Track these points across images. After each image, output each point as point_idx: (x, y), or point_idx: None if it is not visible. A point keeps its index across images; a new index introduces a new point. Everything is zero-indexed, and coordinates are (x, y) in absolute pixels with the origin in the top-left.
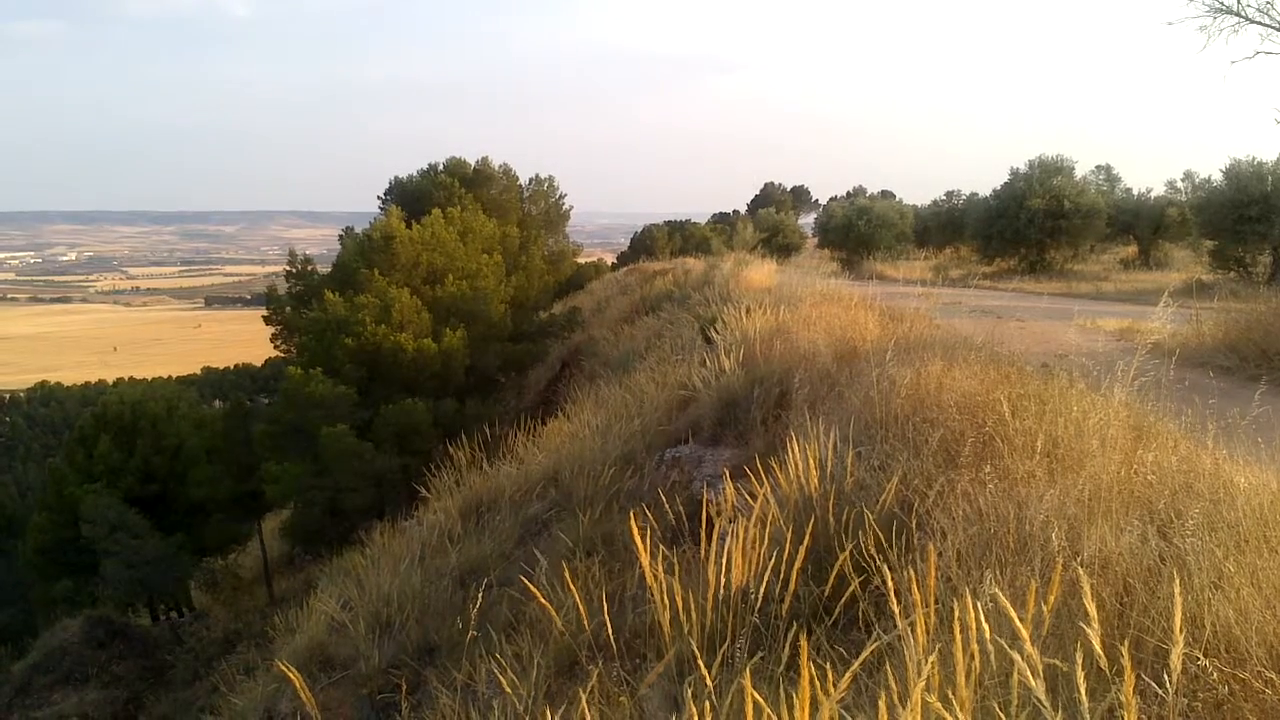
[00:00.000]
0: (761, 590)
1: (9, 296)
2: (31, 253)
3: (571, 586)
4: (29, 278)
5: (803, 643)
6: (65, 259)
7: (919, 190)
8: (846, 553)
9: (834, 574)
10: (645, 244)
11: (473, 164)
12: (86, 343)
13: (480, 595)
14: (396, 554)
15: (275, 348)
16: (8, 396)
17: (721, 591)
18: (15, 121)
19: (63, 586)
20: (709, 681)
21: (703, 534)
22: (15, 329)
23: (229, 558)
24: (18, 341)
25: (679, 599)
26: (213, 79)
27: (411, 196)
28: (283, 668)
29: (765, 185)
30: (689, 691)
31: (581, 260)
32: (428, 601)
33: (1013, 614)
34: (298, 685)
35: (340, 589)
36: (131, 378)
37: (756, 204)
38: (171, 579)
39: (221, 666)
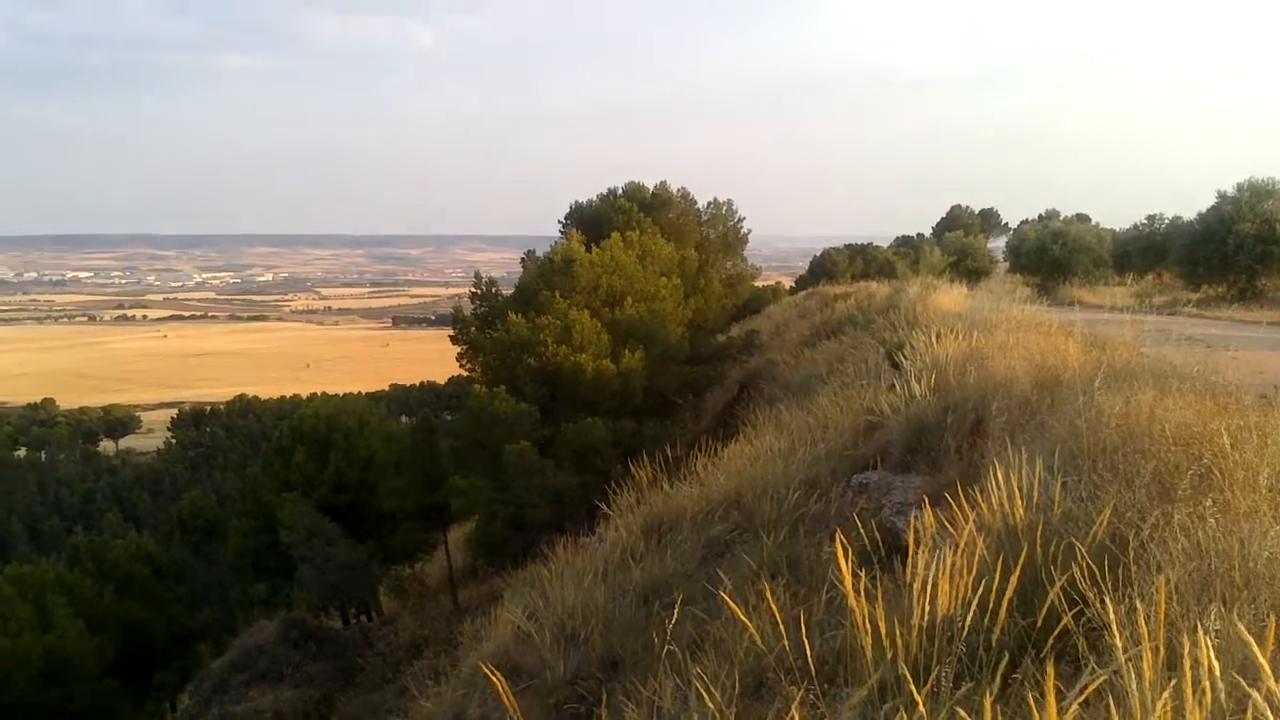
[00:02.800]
0: (967, 620)
1: (210, 315)
2: (231, 273)
3: (772, 604)
4: (228, 297)
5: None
6: (262, 280)
7: (1115, 213)
8: (1059, 584)
9: (1045, 606)
10: (825, 268)
11: (651, 188)
12: (281, 359)
13: (664, 613)
14: (580, 569)
15: (460, 366)
16: (209, 408)
17: (925, 619)
18: (219, 150)
19: (260, 589)
20: (921, 707)
21: (897, 561)
22: (216, 345)
23: (415, 566)
24: (218, 357)
25: (881, 624)
26: (401, 107)
27: (591, 220)
28: (486, 670)
29: (952, 208)
30: (898, 718)
31: (759, 284)
32: (612, 616)
33: (1255, 648)
34: (500, 690)
35: (525, 600)
36: (324, 393)
37: (942, 227)
38: (362, 585)
39: (409, 670)
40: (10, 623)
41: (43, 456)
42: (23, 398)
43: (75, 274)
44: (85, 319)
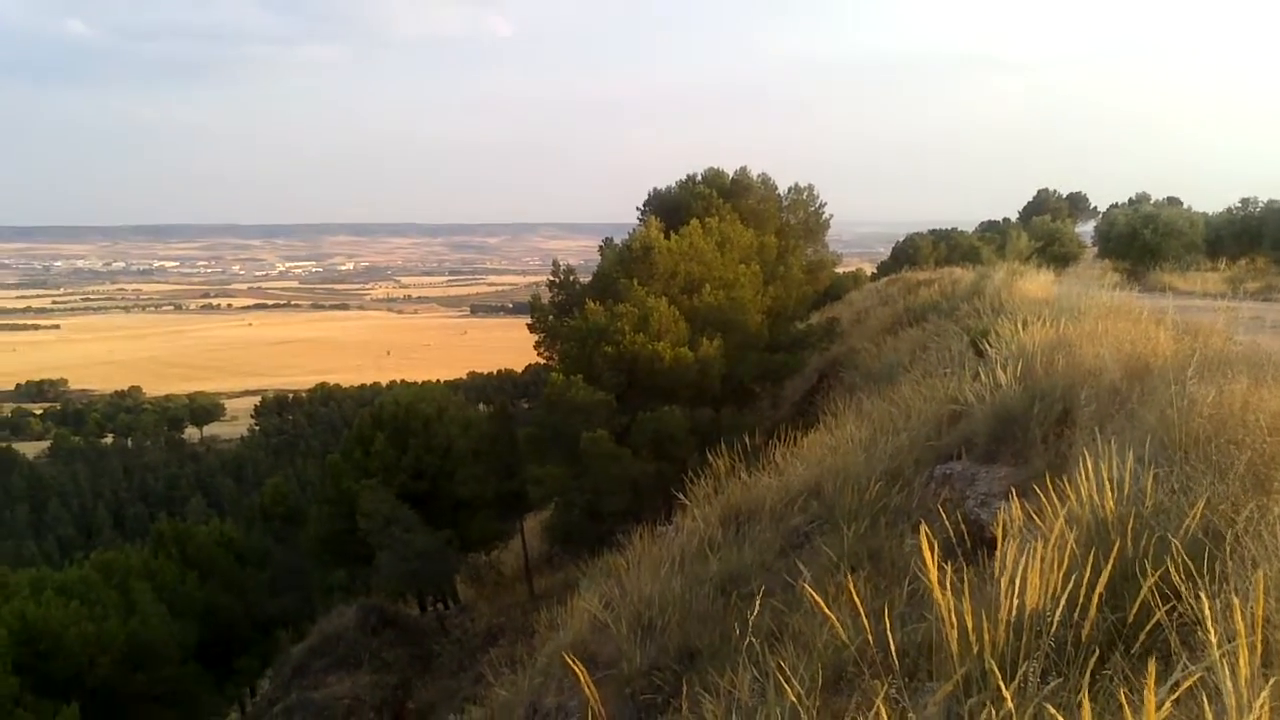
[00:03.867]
0: (1056, 615)
1: (293, 303)
2: (313, 262)
3: (855, 596)
4: (310, 286)
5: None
6: (343, 268)
7: (1206, 197)
8: (1152, 579)
9: (1138, 601)
10: (907, 253)
11: (730, 174)
12: (362, 347)
13: (741, 604)
14: (656, 558)
15: (538, 354)
16: (291, 396)
17: (1013, 614)
18: (300, 140)
19: (339, 575)
20: (1009, 702)
21: (981, 554)
22: (298, 333)
23: (492, 554)
24: (300, 345)
25: (968, 618)
26: (476, 95)
27: (669, 207)
28: (567, 659)
29: (1039, 191)
30: (984, 713)
31: (840, 270)
32: (689, 607)
33: None
34: (582, 679)
35: (602, 589)
36: (403, 380)
37: (1029, 211)
38: (439, 572)
39: (485, 658)
40: (96, 608)
41: (129, 443)
42: (110, 385)
43: (162, 263)
44: (172, 308)
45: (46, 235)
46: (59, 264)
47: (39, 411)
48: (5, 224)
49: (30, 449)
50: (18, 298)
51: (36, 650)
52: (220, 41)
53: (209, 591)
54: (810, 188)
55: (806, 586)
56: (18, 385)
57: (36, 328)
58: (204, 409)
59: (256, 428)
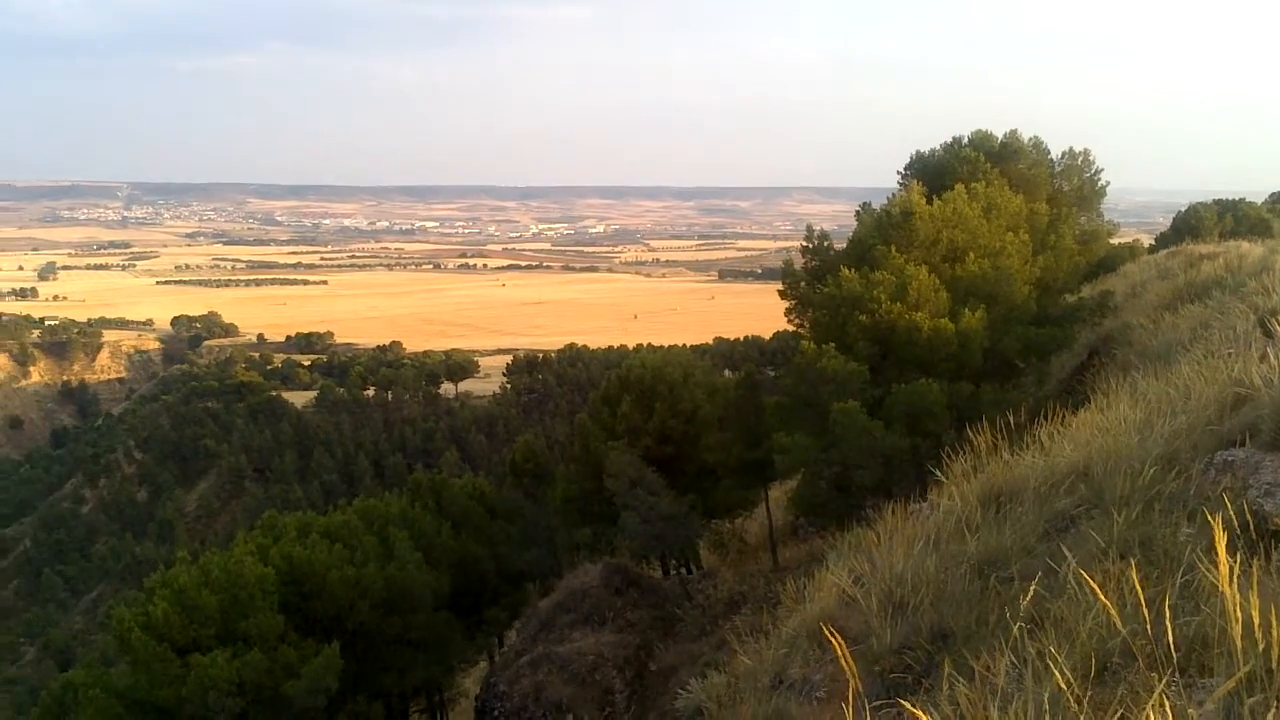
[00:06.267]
0: None
1: (545, 265)
2: (565, 225)
3: (1137, 583)
4: (562, 248)
5: None
6: (594, 231)
7: None
8: None
9: None
10: (1189, 225)
11: (999, 137)
12: (610, 309)
13: (999, 586)
14: (909, 535)
15: (788, 321)
16: (540, 356)
17: None
18: (553, 102)
19: (584, 534)
20: None
21: (1263, 545)
22: (549, 295)
23: (735, 521)
24: (550, 306)
25: (1255, 613)
26: (730, 56)
27: (933, 171)
28: (826, 630)
29: None
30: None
31: (1115, 241)
32: (943, 586)
33: None
34: (840, 652)
35: (851, 564)
36: (649, 344)
37: None
38: (683, 537)
39: (727, 625)
40: (356, 553)
41: (389, 396)
42: (372, 340)
43: (423, 224)
44: (431, 267)
45: (317, 194)
46: (327, 222)
47: (307, 363)
48: (279, 182)
49: (298, 399)
50: (289, 253)
51: (301, 591)
52: (478, 2)
53: (462, 543)
54: (1085, 153)
55: (1080, 570)
56: (288, 337)
57: (306, 283)
58: (459, 365)
59: (508, 385)
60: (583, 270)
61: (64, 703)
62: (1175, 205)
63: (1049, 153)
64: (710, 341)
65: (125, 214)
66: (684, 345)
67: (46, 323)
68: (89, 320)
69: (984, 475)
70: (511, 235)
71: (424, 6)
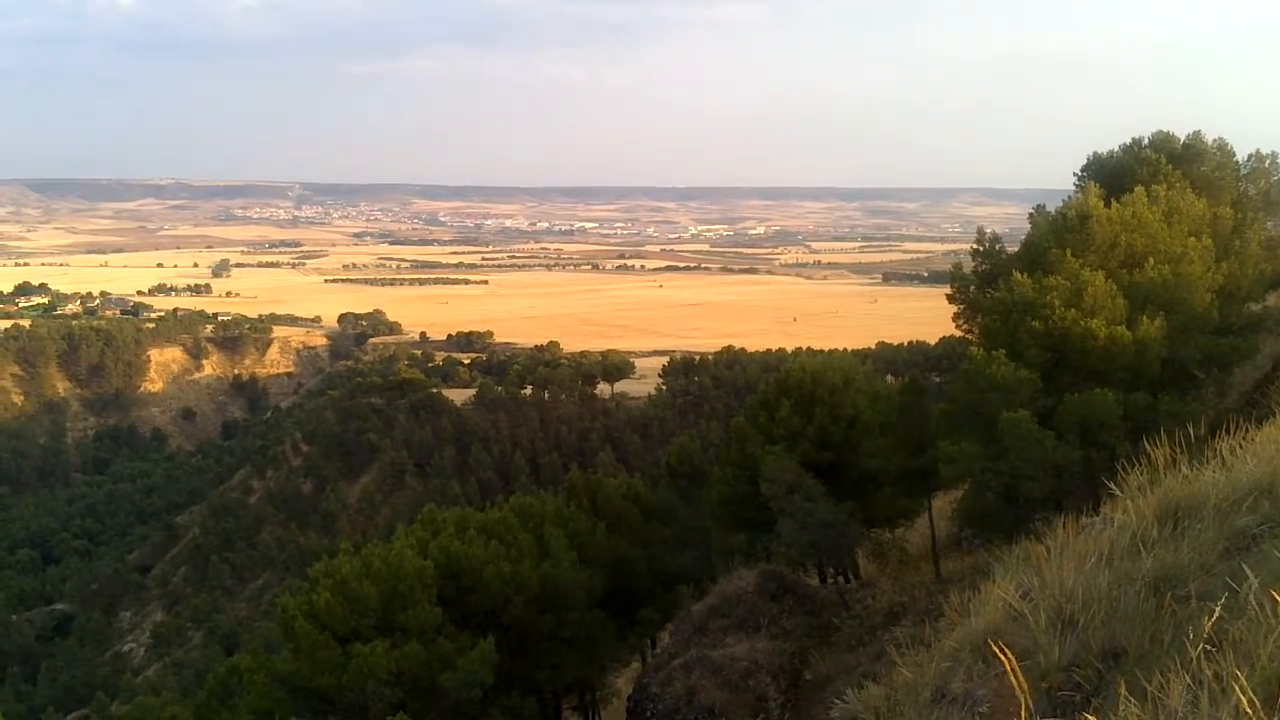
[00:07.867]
0: None
1: (703, 266)
2: (725, 226)
3: None
4: (721, 249)
5: None
6: (754, 233)
7: None
8: None
9: None
10: None
11: (1182, 138)
12: (769, 312)
13: (1176, 605)
14: (1080, 550)
15: (955, 326)
16: (697, 358)
17: None
18: (714, 102)
19: (739, 538)
20: None
21: None
22: (707, 296)
23: (896, 531)
24: (708, 308)
25: None
26: (899, 54)
27: (1111, 173)
28: (992, 646)
29: None
30: None
31: None
32: (1116, 604)
33: None
34: (1009, 668)
35: (1018, 577)
36: (809, 348)
37: None
38: (841, 545)
39: (886, 636)
40: (512, 549)
41: (545, 395)
42: (530, 339)
43: (583, 224)
44: (589, 267)
45: (480, 195)
46: (489, 222)
47: (467, 361)
48: (443, 183)
49: (458, 396)
50: (451, 253)
51: (459, 585)
52: (639, 2)
53: (616, 543)
54: (1273, 155)
55: (1265, 590)
56: (449, 336)
57: (467, 282)
58: (615, 366)
59: (663, 387)
60: (741, 272)
61: (229, 686)
62: None
63: (1234, 155)
64: (873, 346)
65: (296, 213)
66: (845, 349)
67: (219, 318)
68: (260, 316)
69: (1161, 490)
70: (670, 236)
71: (585, 7)
